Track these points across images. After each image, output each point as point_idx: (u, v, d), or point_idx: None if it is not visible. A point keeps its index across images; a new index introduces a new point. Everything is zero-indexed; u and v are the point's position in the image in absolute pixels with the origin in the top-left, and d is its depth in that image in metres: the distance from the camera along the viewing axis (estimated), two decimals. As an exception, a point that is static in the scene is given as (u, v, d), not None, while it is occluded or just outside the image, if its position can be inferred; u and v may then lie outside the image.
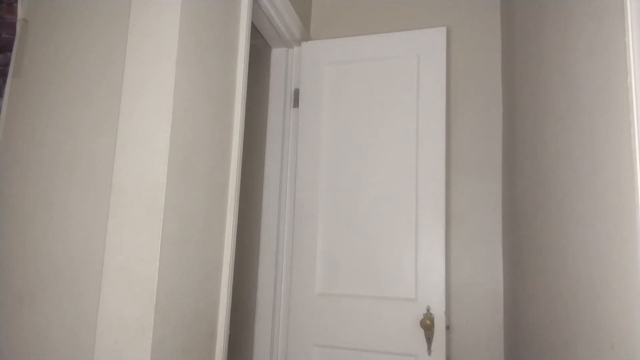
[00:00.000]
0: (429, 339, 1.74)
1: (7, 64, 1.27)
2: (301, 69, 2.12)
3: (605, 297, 0.97)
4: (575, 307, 1.14)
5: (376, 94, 2.00)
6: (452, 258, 1.98)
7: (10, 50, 1.27)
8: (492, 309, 1.95)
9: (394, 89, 1.98)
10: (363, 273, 1.88)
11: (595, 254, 1.02)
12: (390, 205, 1.89)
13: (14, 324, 1.16)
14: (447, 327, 1.81)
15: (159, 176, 1.11)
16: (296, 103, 2.13)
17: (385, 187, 1.91)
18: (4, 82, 1.26)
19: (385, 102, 1.98)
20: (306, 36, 2.20)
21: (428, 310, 1.77)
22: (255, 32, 1.95)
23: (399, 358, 1.78)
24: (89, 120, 1.21)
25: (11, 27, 1.28)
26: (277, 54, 2.19)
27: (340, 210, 1.95)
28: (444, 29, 1.99)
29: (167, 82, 1.15)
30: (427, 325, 1.72)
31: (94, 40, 1.24)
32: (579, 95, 1.14)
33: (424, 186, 1.86)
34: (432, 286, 1.80)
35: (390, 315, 1.82)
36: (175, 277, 1.16)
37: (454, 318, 1.94)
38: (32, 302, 1.15)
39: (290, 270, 2.00)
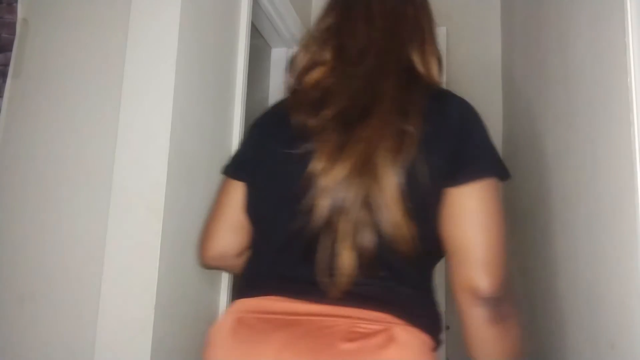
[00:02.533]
0: (429, 339, 1.73)
1: (6, 64, 1.27)
2: (301, 69, 2.12)
3: (605, 297, 0.97)
4: (575, 307, 1.14)
5: None
6: (452, 258, 1.98)
7: (10, 50, 1.27)
8: (492, 309, 1.94)
9: (394, 89, 1.97)
10: (363, 273, 1.87)
11: (595, 254, 1.02)
12: (390, 205, 1.89)
13: (14, 324, 1.16)
14: (447, 327, 1.81)
15: (159, 176, 1.11)
16: (296, 103, 2.13)
17: (385, 187, 1.91)
18: (4, 82, 1.26)
19: None
20: (306, 36, 2.20)
21: (428, 310, 1.76)
22: (255, 32, 1.95)
23: (399, 358, 1.77)
24: (89, 120, 1.21)
25: (11, 27, 1.28)
26: (277, 54, 2.19)
27: (340, 210, 1.94)
28: (443, 29, 1.98)
29: (167, 82, 1.15)
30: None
31: (94, 40, 1.24)
32: (579, 95, 1.14)
33: (424, 186, 1.85)
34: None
35: (390, 315, 1.81)
36: (176, 277, 1.16)
37: (454, 318, 1.94)
38: (32, 302, 1.15)
39: (290, 270, 1.99)
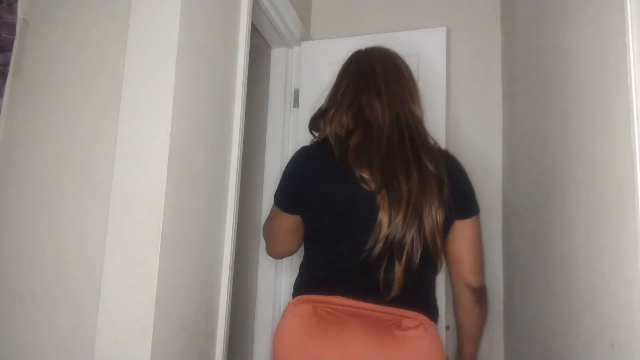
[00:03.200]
0: (429, 339, 1.73)
1: (7, 64, 1.27)
2: (301, 69, 2.12)
3: (605, 297, 0.97)
4: (575, 307, 1.14)
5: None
6: (452, 258, 1.98)
7: (10, 50, 1.27)
8: (492, 309, 1.94)
9: (394, 89, 1.97)
10: (363, 273, 1.88)
11: (595, 254, 1.02)
12: (390, 205, 1.89)
13: (14, 324, 1.16)
14: (447, 327, 1.81)
15: (159, 176, 1.11)
16: (296, 103, 2.13)
17: (385, 187, 1.91)
18: (4, 82, 1.26)
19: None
20: (306, 36, 2.20)
21: (428, 310, 1.76)
22: (255, 32, 1.95)
23: (399, 358, 1.78)
24: (89, 120, 1.21)
25: (11, 27, 1.28)
26: (277, 54, 2.19)
27: (340, 210, 1.94)
28: (444, 29, 1.98)
29: (167, 81, 1.15)
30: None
31: (94, 40, 1.24)
32: (578, 95, 1.14)
33: (424, 186, 1.85)
34: (432, 286, 1.79)
35: (390, 315, 1.81)
36: (175, 277, 1.16)
37: (454, 318, 1.94)
38: (32, 302, 1.15)
39: (290, 270, 2.00)
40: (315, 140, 1.31)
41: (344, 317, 1.13)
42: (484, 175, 2.03)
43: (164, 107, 1.14)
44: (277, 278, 2.04)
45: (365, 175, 1.14)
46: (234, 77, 1.48)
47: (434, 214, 1.13)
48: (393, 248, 1.12)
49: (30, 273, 1.17)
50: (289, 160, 1.32)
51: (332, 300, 1.15)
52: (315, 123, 1.32)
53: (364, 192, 1.14)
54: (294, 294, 1.24)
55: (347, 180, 1.15)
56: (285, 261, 2.02)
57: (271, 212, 1.37)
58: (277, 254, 1.46)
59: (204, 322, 1.31)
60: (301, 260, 1.32)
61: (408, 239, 1.12)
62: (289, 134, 2.13)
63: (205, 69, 1.31)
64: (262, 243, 2.04)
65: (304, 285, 1.23)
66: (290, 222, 1.29)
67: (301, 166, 1.27)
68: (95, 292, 1.10)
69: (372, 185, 1.13)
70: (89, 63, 1.23)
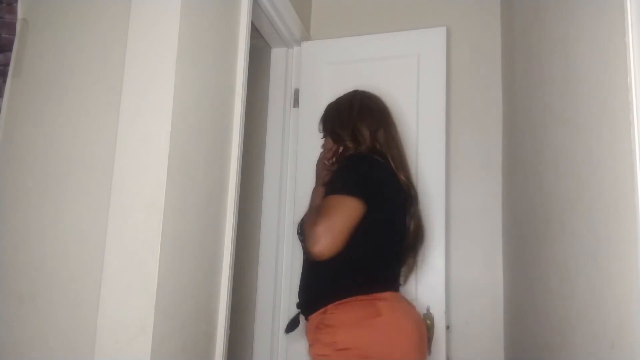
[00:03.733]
0: (429, 339, 1.73)
1: (7, 64, 1.27)
2: (301, 69, 2.12)
3: (605, 297, 0.97)
4: (575, 306, 1.14)
5: (376, 94, 1.99)
6: (452, 258, 1.98)
7: (10, 50, 1.27)
8: (492, 309, 1.94)
9: (393, 89, 1.97)
10: (363, 273, 1.88)
11: (595, 254, 1.02)
12: (390, 205, 1.89)
13: (14, 324, 1.16)
14: (447, 327, 1.81)
15: (159, 176, 1.11)
16: (296, 103, 2.13)
17: (385, 187, 1.91)
18: (4, 82, 1.26)
19: (385, 102, 1.97)
20: (306, 36, 2.20)
21: (428, 310, 1.76)
22: (255, 32, 1.95)
23: (399, 358, 1.78)
24: (89, 120, 1.21)
25: (11, 27, 1.28)
26: (277, 54, 2.19)
27: (340, 210, 1.94)
28: (444, 29, 1.98)
29: (167, 82, 1.15)
30: (427, 325, 1.72)
31: (94, 40, 1.24)
32: (578, 95, 1.14)
33: (424, 186, 1.85)
34: (432, 286, 1.80)
35: (390, 315, 1.81)
36: (175, 277, 1.16)
37: (454, 318, 1.94)
38: (32, 302, 1.15)
39: (290, 270, 2.00)
40: (361, 151, 1.51)
41: (410, 306, 1.47)
42: (484, 175, 2.04)
43: (164, 107, 1.14)
44: (277, 278, 2.04)
45: (408, 186, 1.48)
46: (234, 77, 1.48)
47: (425, 224, 1.59)
48: (411, 249, 1.52)
49: (30, 273, 1.17)
50: (362, 161, 1.47)
51: (397, 295, 1.45)
52: (342, 140, 1.56)
53: (405, 200, 1.47)
54: (358, 292, 1.36)
55: (401, 188, 1.47)
56: (285, 261, 2.02)
57: (342, 209, 1.34)
58: (335, 250, 1.33)
59: (204, 322, 1.31)
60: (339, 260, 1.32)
61: (419, 243, 1.54)
62: (289, 134, 2.13)
63: (205, 69, 1.31)
64: (262, 243, 2.05)
65: (373, 283, 1.40)
66: (358, 219, 1.35)
67: (381, 169, 1.47)
68: (95, 292, 1.10)
69: (414, 194, 1.50)
70: (89, 63, 1.23)
